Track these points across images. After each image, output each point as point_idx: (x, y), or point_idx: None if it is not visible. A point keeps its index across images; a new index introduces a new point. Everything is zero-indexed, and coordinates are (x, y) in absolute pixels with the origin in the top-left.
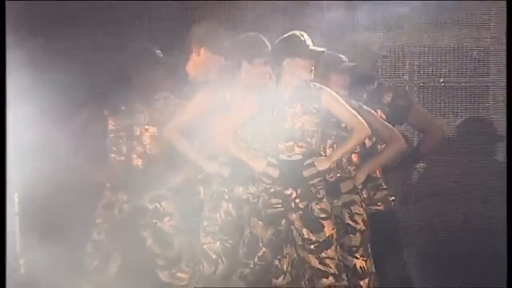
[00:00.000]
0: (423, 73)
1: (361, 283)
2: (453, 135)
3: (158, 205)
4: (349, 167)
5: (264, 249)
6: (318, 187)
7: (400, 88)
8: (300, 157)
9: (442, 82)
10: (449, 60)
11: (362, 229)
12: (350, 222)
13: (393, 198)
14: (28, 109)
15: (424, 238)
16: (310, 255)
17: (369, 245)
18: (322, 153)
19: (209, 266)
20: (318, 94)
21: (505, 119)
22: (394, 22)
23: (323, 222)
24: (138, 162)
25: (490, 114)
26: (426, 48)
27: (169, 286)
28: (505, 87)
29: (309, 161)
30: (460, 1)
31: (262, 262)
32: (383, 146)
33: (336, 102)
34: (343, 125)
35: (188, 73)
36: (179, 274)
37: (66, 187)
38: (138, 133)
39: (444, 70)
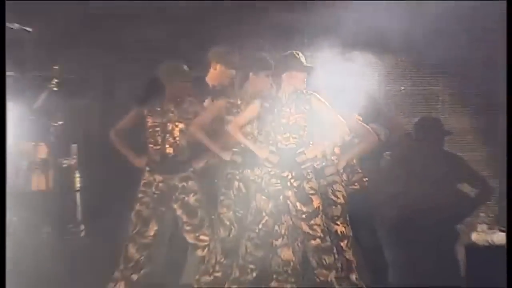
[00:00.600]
0: (388, 83)
1: (341, 244)
2: (411, 130)
3: (185, 184)
4: (332, 157)
5: (266, 217)
6: (308, 170)
7: (372, 96)
8: (294, 146)
9: (403, 89)
10: (408, 73)
11: (342, 202)
12: (333, 197)
13: (366, 179)
14: (97, 108)
15: (390, 210)
16: (302, 222)
17: (347, 215)
18: (311, 143)
19: (224, 230)
20: (309, 99)
21: (446, 117)
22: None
23: (312, 197)
24: (170, 150)
25: (439, 114)
26: (389, 64)
27: (194, 246)
28: (449, 94)
29: (300, 149)
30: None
31: (265, 228)
32: (358, 140)
33: (323, 105)
34: (327, 123)
35: (207, 83)
36: (201, 237)
37: (118, 170)
38: (170, 128)
39: (405, 80)
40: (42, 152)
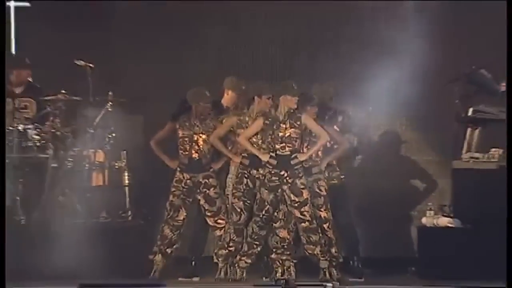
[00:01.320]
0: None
1: (324, 225)
2: (376, 140)
3: (207, 181)
4: (317, 159)
5: (268, 206)
6: (299, 170)
7: (346, 112)
8: (288, 152)
9: (371, 109)
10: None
11: (324, 194)
12: (317, 190)
13: (343, 176)
14: (141, 123)
15: (361, 199)
16: (295, 210)
17: (329, 204)
18: (300, 149)
19: (236, 216)
20: (299, 117)
21: (403, 130)
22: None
23: (302, 190)
24: (195, 155)
25: (396, 129)
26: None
27: (213, 227)
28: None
29: (294, 155)
30: None
31: (267, 214)
32: (336, 146)
33: (310, 121)
34: (313, 134)
35: (223, 104)
36: (219, 221)
37: (156, 170)
38: (195, 138)
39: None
40: (100, 157)
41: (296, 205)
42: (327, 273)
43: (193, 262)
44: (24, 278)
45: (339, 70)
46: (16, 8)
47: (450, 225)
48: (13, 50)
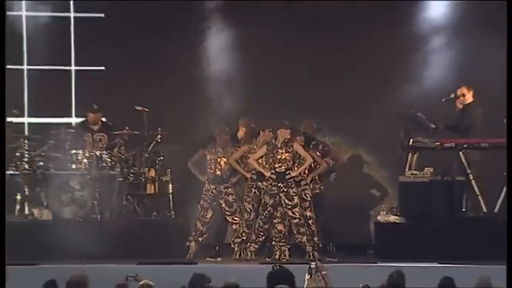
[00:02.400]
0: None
1: (309, 221)
2: (346, 161)
3: (227, 190)
4: (304, 175)
5: (269, 208)
6: (292, 182)
7: (325, 142)
8: (284, 170)
9: (342, 140)
10: (343, 131)
11: (309, 200)
12: (304, 197)
13: (322, 187)
14: (181, 149)
15: (335, 203)
16: (288, 210)
17: (312, 206)
18: (292, 168)
19: (247, 215)
20: (292, 145)
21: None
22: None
23: (294, 197)
24: (218, 172)
25: (360, 153)
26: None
27: (231, 223)
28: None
29: (287, 172)
30: None
31: (268, 213)
32: (318, 166)
33: (299, 147)
34: (301, 157)
35: (238, 136)
36: (235, 218)
37: (192, 181)
38: (218, 160)
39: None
40: (152, 173)
41: (289, 207)
42: (311, 255)
43: (217, 247)
44: (101, 257)
45: (320, 111)
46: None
47: (397, 221)
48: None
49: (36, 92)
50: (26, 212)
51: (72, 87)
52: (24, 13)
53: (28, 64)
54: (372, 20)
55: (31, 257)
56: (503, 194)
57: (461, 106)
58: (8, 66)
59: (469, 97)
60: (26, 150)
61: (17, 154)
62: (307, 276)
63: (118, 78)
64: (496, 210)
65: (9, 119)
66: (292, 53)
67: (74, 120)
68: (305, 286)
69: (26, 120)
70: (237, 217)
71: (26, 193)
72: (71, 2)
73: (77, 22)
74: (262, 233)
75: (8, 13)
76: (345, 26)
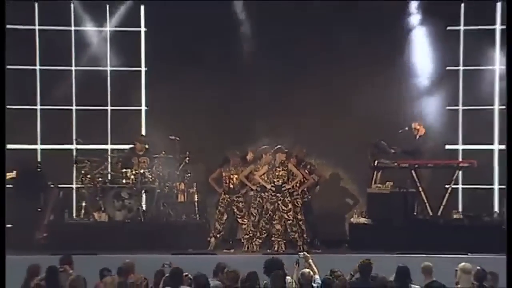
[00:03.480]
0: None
1: (300, 223)
2: (327, 177)
3: (238, 199)
4: (296, 187)
5: (270, 212)
6: (286, 193)
7: (311, 163)
8: (280, 183)
9: (324, 161)
10: (324, 154)
11: (300, 206)
12: (296, 204)
13: (310, 197)
14: (203, 168)
15: (319, 209)
16: (284, 214)
17: (302, 211)
18: (287, 182)
19: (253, 217)
20: (287, 164)
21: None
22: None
23: (288, 204)
24: (231, 186)
25: (338, 172)
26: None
27: (241, 224)
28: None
29: (283, 185)
30: None
31: (269, 216)
32: (306, 181)
33: (292, 167)
34: (294, 174)
35: (247, 158)
36: (244, 220)
37: (211, 194)
38: (231, 177)
39: (324, 158)
40: (182, 186)
41: (285, 211)
42: (301, 248)
43: (231, 242)
44: (144, 249)
45: (308, 140)
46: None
47: (365, 222)
48: None
49: (96, 126)
50: (89, 215)
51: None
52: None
53: (94, 105)
54: (347, 63)
55: (92, 248)
56: (444, 201)
57: (418, 136)
58: (75, 107)
59: (421, 130)
60: (88, 169)
61: (82, 172)
62: (295, 265)
63: (158, 115)
64: (439, 213)
65: (75, 146)
66: (285, 91)
67: (126, 146)
68: (294, 272)
69: (89, 146)
70: (246, 219)
71: (89, 201)
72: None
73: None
74: (264, 231)
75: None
76: (323, 66)
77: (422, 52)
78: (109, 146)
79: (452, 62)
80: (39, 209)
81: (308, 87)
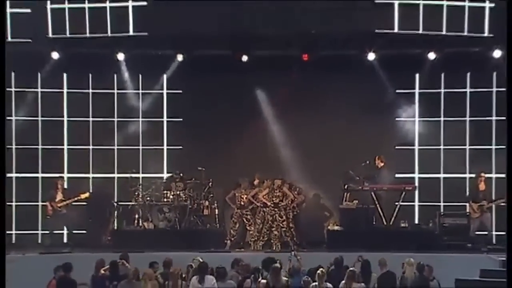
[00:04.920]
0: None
1: (291, 229)
2: (310, 197)
3: (247, 212)
4: (288, 204)
5: (269, 222)
6: (282, 207)
7: (299, 187)
8: (278, 201)
9: (303, 185)
10: (306, 180)
11: (291, 218)
12: (289, 216)
13: (298, 211)
14: (221, 191)
15: (306, 219)
16: (280, 224)
17: (293, 221)
18: (282, 200)
19: (258, 226)
20: (282, 188)
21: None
22: None
23: (283, 216)
24: (242, 203)
25: (319, 193)
26: None
27: (249, 230)
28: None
29: (280, 202)
30: None
31: (269, 225)
32: (295, 199)
33: (286, 189)
34: (287, 195)
35: (254, 184)
36: (251, 227)
37: (228, 208)
38: (242, 197)
39: (306, 183)
40: (206, 203)
41: (281, 221)
42: (292, 248)
43: (241, 243)
44: (179, 248)
45: (297, 170)
46: None
47: (338, 229)
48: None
49: (146, 160)
50: (140, 224)
51: (164, 158)
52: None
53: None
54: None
55: (142, 248)
56: (394, 214)
57: (379, 167)
58: (126, 147)
59: (381, 163)
60: (140, 191)
61: (136, 193)
62: (288, 261)
63: (189, 153)
64: (391, 223)
65: (130, 175)
66: (281, 133)
67: (165, 175)
68: (287, 265)
69: (140, 175)
70: (252, 227)
71: (140, 214)
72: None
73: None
74: (266, 236)
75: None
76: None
77: (379, 109)
78: (154, 175)
79: (403, 116)
80: (106, 219)
81: (297, 130)
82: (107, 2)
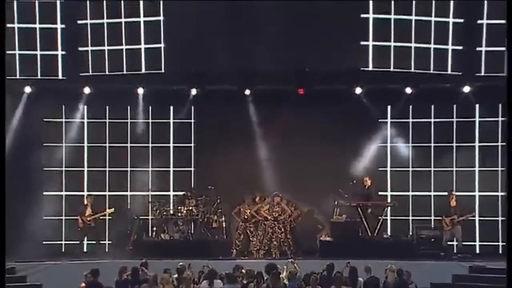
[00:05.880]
0: None
1: (289, 240)
2: (305, 211)
3: (250, 225)
4: (286, 218)
5: (270, 233)
6: (280, 220)
7: (296, 202)
8: (277, 215)
9: (299, 202)
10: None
11: (289, 230)
12: (286, 228)
13: (295, 224)
14: (227, 206)
15: (300, 231)
16: (279, 235)
17: (290, 232)
18: (280, 215)
19: (259, 237)
20: (280, 204)
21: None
22: None
23: (282, 228)
24: (246, 217)
25: (312, 209)
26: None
27: (252, 240)
28: None
29: (278, 216)
30: None
31: (269, 236)
32: (292, 214)
33: (284, 205)
34: (285, 210)
35: (256, 201)
36: (254, 238)
37: (234, 221)
38: (246, 211)
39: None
40: (215, 218)
41: (279, 233)
42: (290, 255)
43: (245, 252)
44: (192, 256)
45: (292, 189)
46: None
47: (329, 240)
48: None
49: (161, 180)
50: (158, 236)
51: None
52: None
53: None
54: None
55: (159, 256)
56: (378, 227)
57: (366, 186)
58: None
59: (369, 182)
60: (157, 207)
61: (154, 208)
62: (285, 267)
63: (201, 174)
64: (375, 234)
65: (149, 193)
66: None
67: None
68: (285, 271)
69: (158, 193)
70: (255, 238)
71: (158, 227)
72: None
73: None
74: (266, 246)
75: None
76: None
77: (365, 135)
78: (169, 193)
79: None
80: (128, 232)
81: (294, 155)
82: (123, 44)
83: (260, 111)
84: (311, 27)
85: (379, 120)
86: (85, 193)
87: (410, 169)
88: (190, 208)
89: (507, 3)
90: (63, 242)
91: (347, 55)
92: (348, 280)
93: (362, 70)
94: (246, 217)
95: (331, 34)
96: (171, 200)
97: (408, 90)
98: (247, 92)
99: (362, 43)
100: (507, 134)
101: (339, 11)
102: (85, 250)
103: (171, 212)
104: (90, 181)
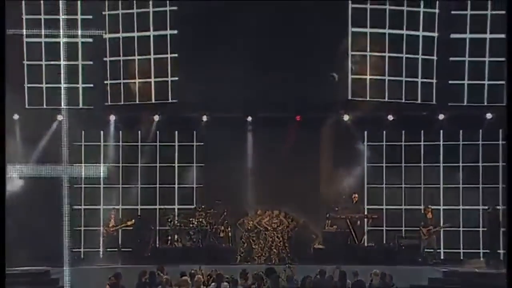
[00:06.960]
0: None
1: (287, 247)
2: (301, 222)
3: (252, 235)
4: (285, 228)
5: (270, 242)
6: (279, 232)
7: (292, 215)
8: (276, 226)
9: (296, 214)
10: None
11: (287, 239)
12: (284, 237)
13: (292, 233)
14: (234, 219)
15: (297, 240)
16: (278, 243)
17: (288, 241)
18: (279, 226)
19: (261, 245)
20: (279, 216)
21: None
22: None
23: (280, 237)
24: (249, 227)
25: (308, 221)
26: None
27: (255, 248)
28: None
29: (277, 227)
30: None
31: (269, 244)
32: (289, 225)
33: (282, 217)
34: (283, 222)
35: (257, 213)
36: (255, 246)
37: (239, 231)
38: (249, 223)
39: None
40: (222, 228)
41: (278, 241)
42: (287, 261)
43: (248, 258)
44: (202, 262)
45: (289, 203)
46: None
47: (322, 247)
48: None
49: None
50: (172, 244)
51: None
52: None
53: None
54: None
55: (173, 261)
56: (364, 236)
57: (354, 201)
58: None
59: (356, 198)
60: (172, 218)
61: (168, 220)
62: (283, 271)
63: (210, 191)
64: (362, 242)
65: (163, 207)
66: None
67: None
68: (283, 275)
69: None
70: (257, 246)
71: (172, 236)
72: None
73: None
74: (267, 253)
75: None
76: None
77: (353, 157)
78: (182, 206)
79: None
80: (146, 240)
81: (292, 174)
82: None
83: (261, 136)
84: (311, 61)
85: (366, 144)
86: (111, 206)
87: (403, 185)
88: (200, 219)
89: (507, 3)
90: (89, 250)
91: (336, 87)
92: (338, 283)
93: (349, 100)
94: (249, 227)
95: (324, 69)
96: (184, 213)
97: (390, 117)
98: (249, 118)
99: (353, 76)
100: (507, 133)
101: (327, 49)
102: (108, 256)
103: (184, 223)
104: (117, 196)
